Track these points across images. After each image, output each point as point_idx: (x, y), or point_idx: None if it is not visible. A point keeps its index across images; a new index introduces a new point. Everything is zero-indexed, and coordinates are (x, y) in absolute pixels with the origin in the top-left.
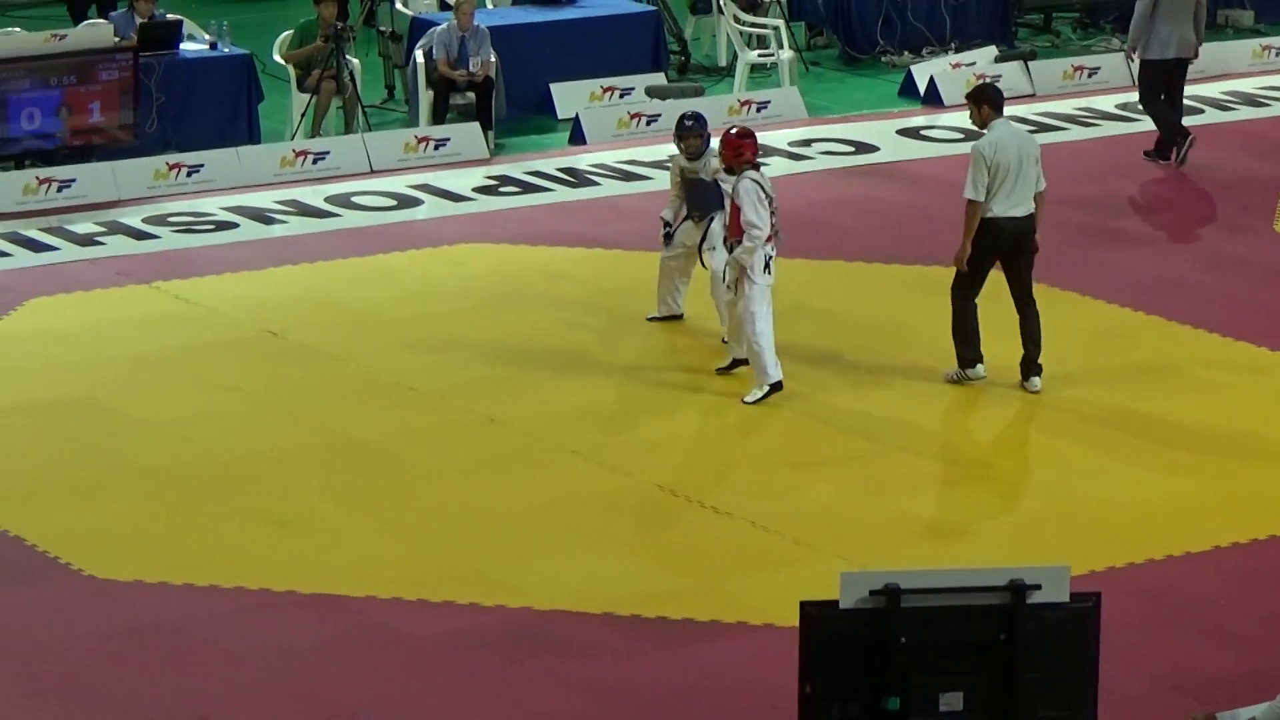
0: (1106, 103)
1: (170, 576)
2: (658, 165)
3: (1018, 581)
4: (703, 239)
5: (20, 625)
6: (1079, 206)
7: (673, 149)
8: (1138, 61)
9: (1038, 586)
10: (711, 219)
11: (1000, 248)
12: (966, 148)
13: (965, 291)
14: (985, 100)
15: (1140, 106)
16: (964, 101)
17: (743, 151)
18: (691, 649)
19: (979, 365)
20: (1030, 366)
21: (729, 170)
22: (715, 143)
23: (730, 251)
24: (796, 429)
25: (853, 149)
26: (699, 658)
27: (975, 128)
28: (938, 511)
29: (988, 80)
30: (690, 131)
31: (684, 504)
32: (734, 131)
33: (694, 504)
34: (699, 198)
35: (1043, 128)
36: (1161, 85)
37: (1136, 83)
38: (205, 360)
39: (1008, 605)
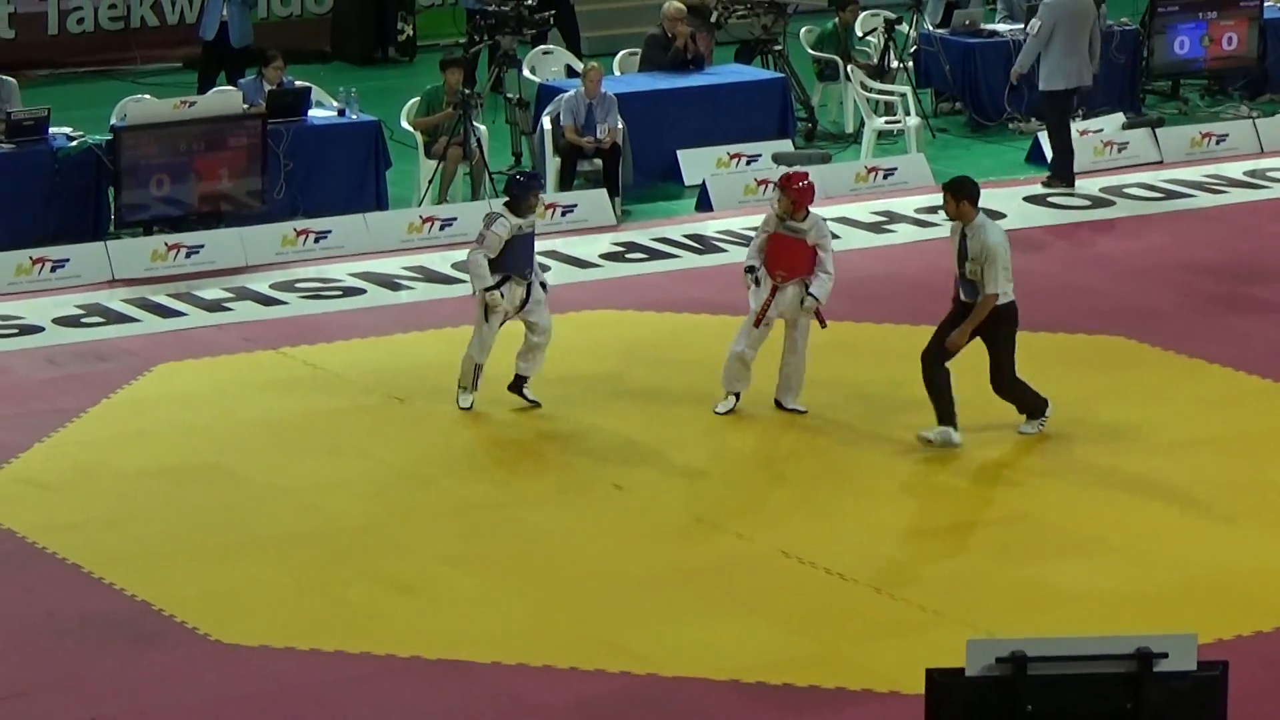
0: (1235, 169)
1: (297, 642)
2: None
3: (1144, 650)
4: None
5: (148, 690)
6: (1207, 273)
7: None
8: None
9: (1164, 655)
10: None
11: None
12: (1097, 214)
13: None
14: (966, 196)
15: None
16: (1092, 169)
17: (811, 194)
18: (817, 716)
19: (954, 427)
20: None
21: (792, 215)
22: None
23: (784, 286)
24: (919, 496)
25: None
26: None
27: (950, 218)
28: (1063, 579)
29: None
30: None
31: (809, 570)
32: (796, 174)
33: (819, 570)
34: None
35: (1170, 194)
36: (1058, 114)
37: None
38: (332, 426)
39: (1134, 674)
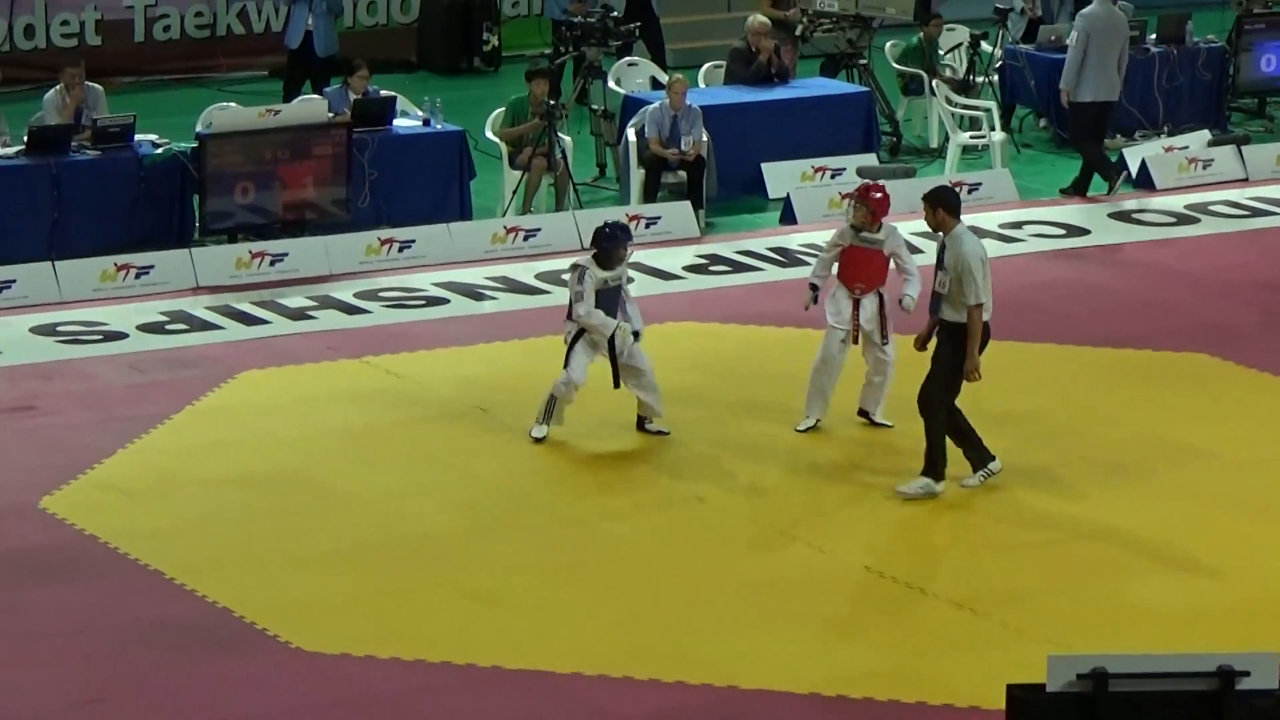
0: None
1: (377, 650)
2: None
3: (1226, 668)
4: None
5: (229, 697)
6: None
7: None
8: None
9: (1246, 673)
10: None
11: (983, 349)
12: (1180, 232)
13: (949, 399)
14: (940, 204)
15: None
16: (1176, 186)
17: (888, 205)
18: None
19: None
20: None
21: (869, 226)
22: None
23: (864, 299)
24: (1001, 512)
25: (1064, 231)
26: None
27: (930, 229)
28: (1144, 596)
29: (947, 184)
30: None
31: (890, 584)
32: (874, 185)
33: (900, 584)
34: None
35: (1255, 212)
36: (1090, 125)
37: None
38: (414, 435)
39: (1216, 692)
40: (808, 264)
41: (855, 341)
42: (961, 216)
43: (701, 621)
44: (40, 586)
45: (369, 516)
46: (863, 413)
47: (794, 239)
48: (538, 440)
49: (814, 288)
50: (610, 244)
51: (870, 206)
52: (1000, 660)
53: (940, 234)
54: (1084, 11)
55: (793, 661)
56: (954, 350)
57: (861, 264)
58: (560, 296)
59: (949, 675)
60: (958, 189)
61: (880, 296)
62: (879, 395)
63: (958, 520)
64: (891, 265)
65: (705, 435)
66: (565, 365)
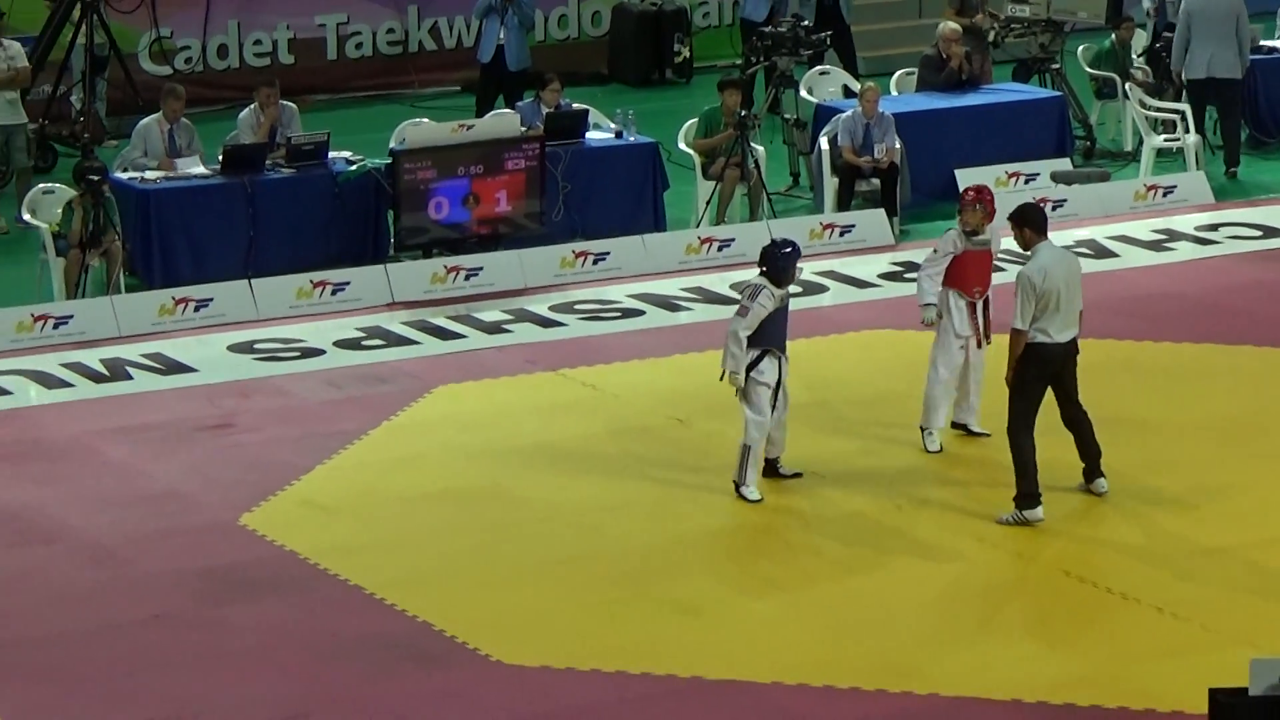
0: None
1: (578, 663)
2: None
3: None
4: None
5: (431, 711)
6: None
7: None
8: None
9: None
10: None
11: (1049, 372)
12: None
13: (1022, 423)
14: (1026, 223)
15: None
16: None
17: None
18: None
19: (1038, 507)
20: (1094, 471)
21: (982, 228)
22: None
23: (977, 302)
24: (1198, 514)
25: (1260, 233)
26: None
27: (1021, 249)
28: None
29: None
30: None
31: (1090, 589)
32: (981, 187)
33: (1100, 589)
34: None
35: None
36: (1201, 105)
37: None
38: (612, 447)
39: None
40: (1003, 270)
41: (981, 345)
42: (1048, 232)
43: (901, 629)
44: (240, 602)
45: (568, 528)
46: (960, 426)
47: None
48: (756, 501)
49: (933, 306)
50: (785, 262)
51: (989, 208)
52: (1202, 665)
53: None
54: None
55: (994, 668)
56: (1020, 372)
57: (981, 268)
58: None
59: (1151, 680)
60: (1149, 193)
61: (988, 297)
62: (973, 405)
63: (1154, 524)
64: None
65: (900, 443)
66: (748, 404)
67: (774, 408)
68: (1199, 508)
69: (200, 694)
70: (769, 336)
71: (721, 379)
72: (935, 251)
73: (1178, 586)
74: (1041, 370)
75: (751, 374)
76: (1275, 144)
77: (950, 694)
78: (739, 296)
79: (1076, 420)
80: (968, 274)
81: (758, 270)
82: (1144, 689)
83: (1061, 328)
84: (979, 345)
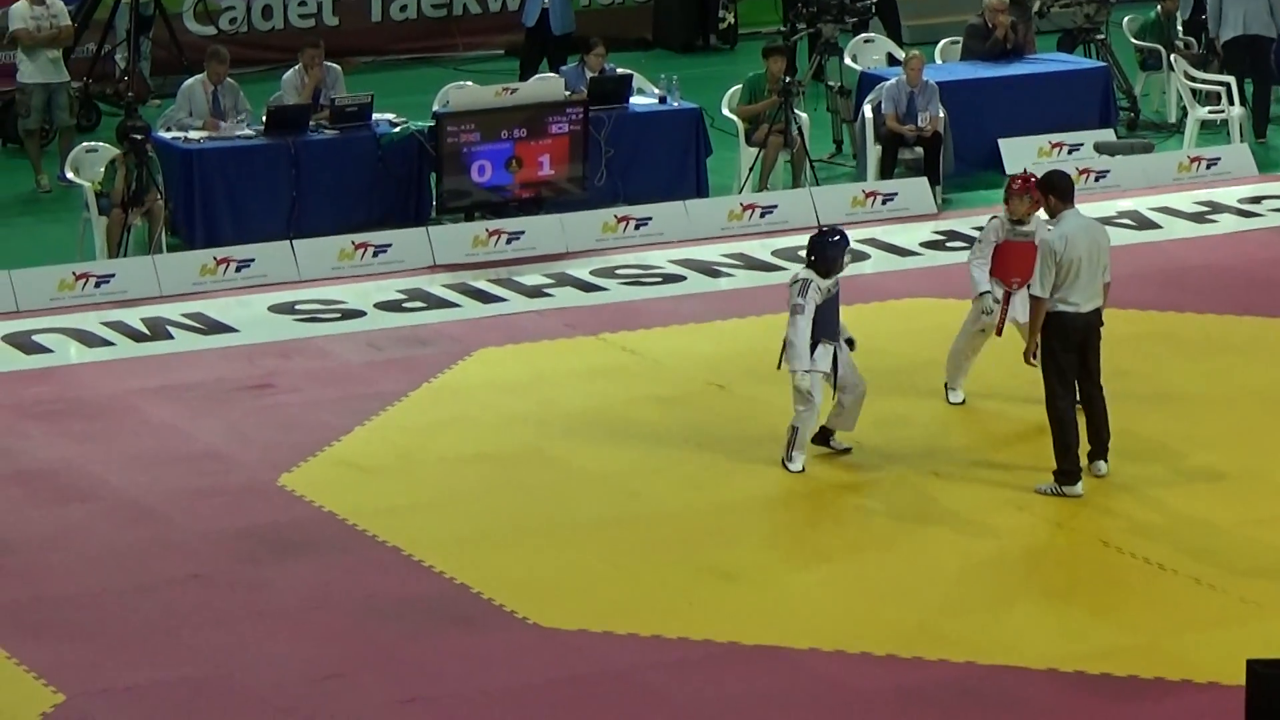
0: None
1: (614, 626)
2: (1106, 221)
3: None
4: None
5: (467, 672)
6: None
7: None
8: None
9: None
10: None
11: (1073, 341)
12: None
13: (1060, 391)
14: (1050, 189)
15: None
16: None
17: None
18: (1136, 707)
19: (1078, 484)
20: (1097, 452)
21: (1026, 218)
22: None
23: (1012, 292)
24: (1238, 486)
25: None
26: (1144, 716)
27: (1049, 216)
28: None
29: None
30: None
31: (1128, 560)
32: (1029, 175)
33: (1138, 560)
34: None
35: None
36: (1238, 67)
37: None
38: (652, 413)
39: None
40: None
41: (1000, 334)
42: (1073, 201)
43: (939, 597)
44: (279, 563)
45: (606, 493)
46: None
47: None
48: (798, 472)
49: (988, 293)
50: (834, 252)
51: (1036, 196)
52: (1240, 636)
53: None
54: None
55: (1030, 637)
56: (1045, 343)
57: (1020, 257)
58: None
59: (1188, 651)
60: (1193, 164)
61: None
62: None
63: (1193, 495)
64: None
65: (939, 411)
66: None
67: (840, 388)
68: (1238, 480)
69: (237, 653)
70: (820, 328)
71: (779, 368)
72: (979, 242)
73: (1216, 558)
74: (1065, 340)
75: (797, 377)
76: None
77: (987, 662)
78: (789, 292)
79: (1092, 399)
80: (1008, 264)
81: (805, 260)
82: (1181, 659)
83: (1085, 297)
84: (999, 333)
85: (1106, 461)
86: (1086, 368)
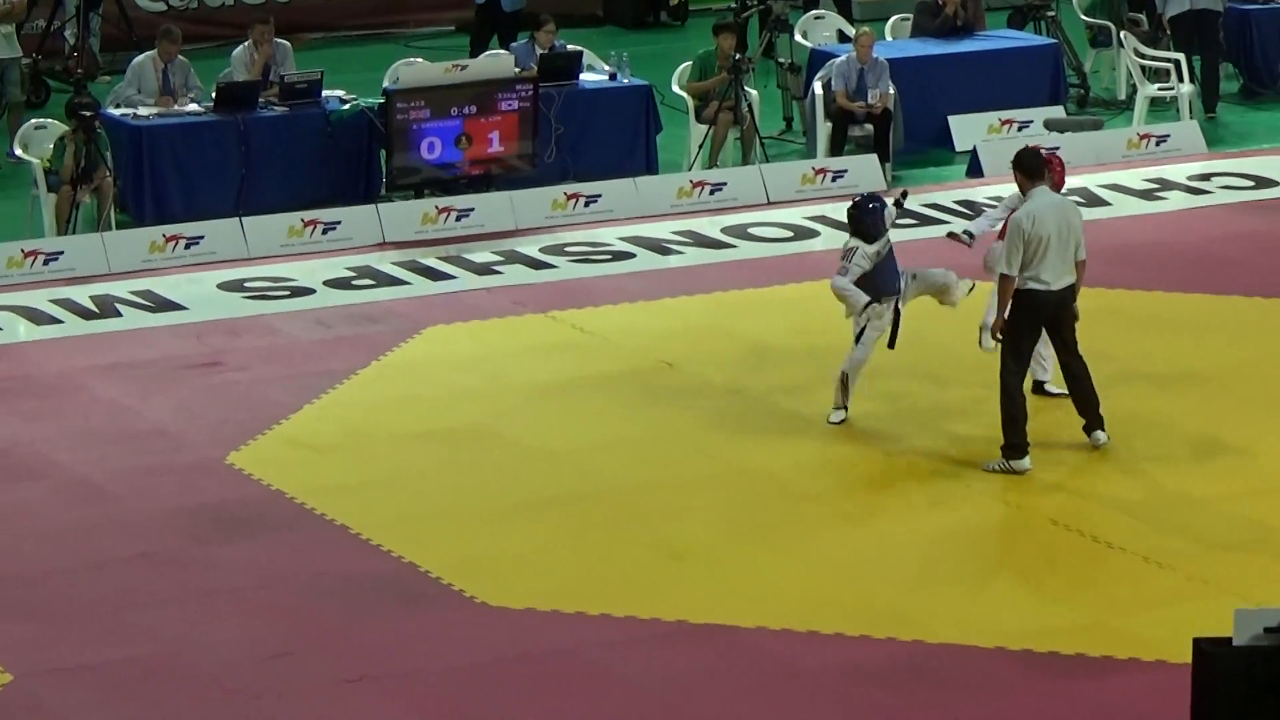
0: None
1: (562, 605)
2: None
3: None
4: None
5: (413, 652)
6: None
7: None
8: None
9: None
10: None
11: (1040, 319)
12: None
13: (1014, 367)
14: (1020, 168)
15: None
16: None
17: None
18: (1084, 685)
19: (1025, 458)
20: (1093, 422)
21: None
22: None
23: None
24: (1188, 465)
25: (1253, 183)
26: (1091, 694)
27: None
28: None
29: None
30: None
31: (1077, 538)
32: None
33: (1086, 538)
34: None
35: None
36: (1185, 42)
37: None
38: (602, 390)
39: None
40: None
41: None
42: (1042, 179)
43: (889, 575)
44: (228, 541)
45: (555, 471)
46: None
47: (980, 192)
48: (836, 423)
49: (970, 235)
50: (872, 218)
51: (1055, 177)
52: (1187, 614)
53: None
54: None
55: (979, 615)
56: (1010, 318)
57: None
58: (745, 250)
59: (1136, 629)
60: (1142, 141)
61: None
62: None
63: (1144, 474)
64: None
65: (892, 388)
66: (857, 342)
67: (941, 293)
68: (1188, 458)
69: (185, 632)
70: (878, 287)
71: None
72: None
73: (1166, 537)
74: (1033, 318)
75: (870, 309)
76: (1269, 94)
77: (934, 641)
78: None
79: (1074, 371)
80: None
81: (849, 232)
82: (1129, 637)
83: (1055, 275)
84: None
85: (1104, 431)
86: (1063, 341)
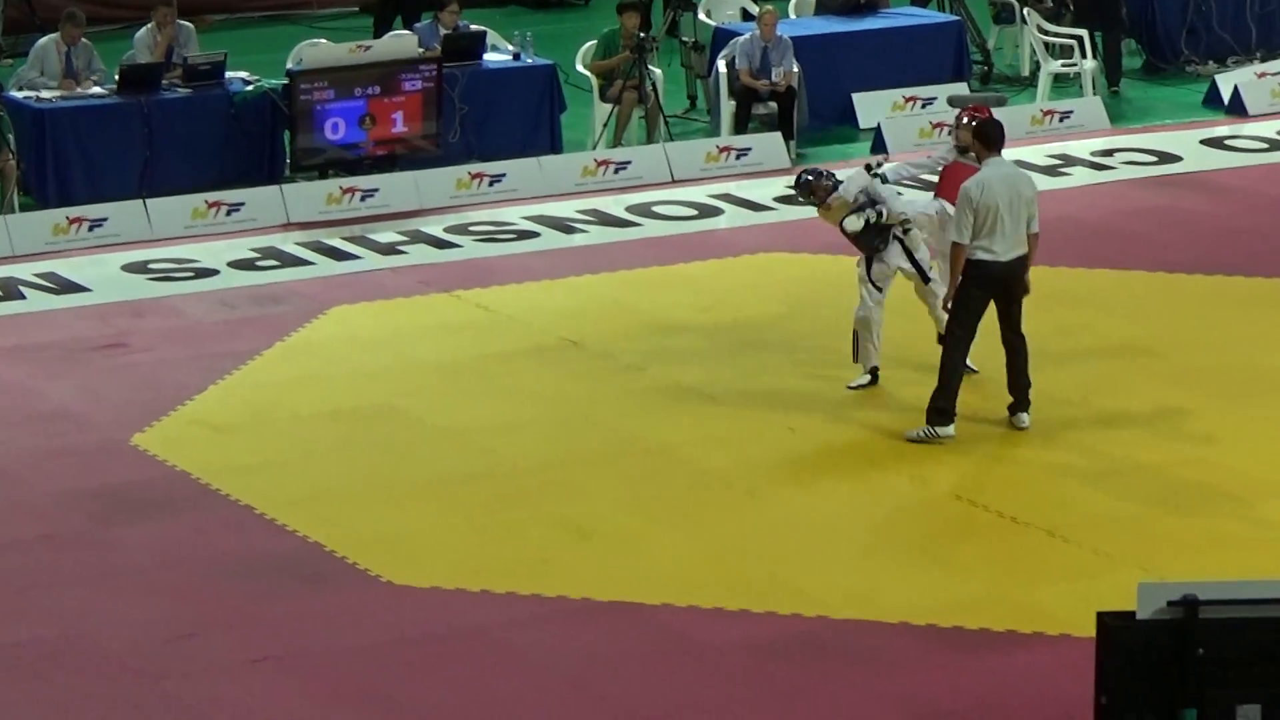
0: None
1: (467, 583)
2: None
3: None
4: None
5: (317, 631)
6: None
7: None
8: None
9: None
10: None
11: (989, 290)
12: (1273, 157)
13: (960, 336)
14: (978, 136)
15: None
16: (1270, 111)
17: None
18: (988, 659)
19: (950, 426)
20: (1019, 403)
21: (969, 148)
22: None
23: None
24: (1092, 439)
25: (1156, 159)
26: (995, 668)
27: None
28: (1237, 524)
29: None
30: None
31: (981, 513)
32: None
33: (991, 513)
34: None
35: None
36: (1088, 18)
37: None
38: (506, 369)
39: None
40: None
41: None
42: (1003, 150)
43: (793, 551)
44: (132, 522)
45: (460, 450)
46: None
47: (886, 168)
48: (855, 388)
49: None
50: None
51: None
52: (1091, 588)
53: None
54: None
55: (883, 591)
56: (959, 286)
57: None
58: (649, 229)
59: (1040, 603)
60: (1046, 118)
61: None
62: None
63: (1049, 449)
64: None
65: (795, 365)
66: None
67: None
68: (1092, 433)
69: (90, 613)
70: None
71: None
72: (928, 157)
73: (1070, 510)
74: (983, 289)
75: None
76: (1171, 70)
77: (839, 616)
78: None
79: (1014, 346)
80: (957, 185)
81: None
82: (1034, 611)
83: (1006, 246)
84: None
85: (1028, 414)
86: (1008, 315)
